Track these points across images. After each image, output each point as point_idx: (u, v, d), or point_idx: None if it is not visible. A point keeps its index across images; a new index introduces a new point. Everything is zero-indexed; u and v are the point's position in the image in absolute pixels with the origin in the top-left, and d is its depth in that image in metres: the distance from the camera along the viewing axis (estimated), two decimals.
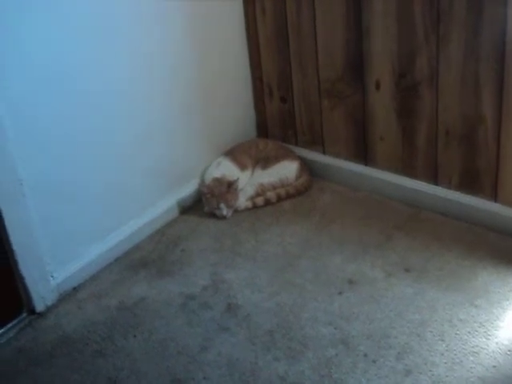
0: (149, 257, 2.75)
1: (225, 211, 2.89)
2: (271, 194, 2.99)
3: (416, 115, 2.71)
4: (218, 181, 2.91)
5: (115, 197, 2.71)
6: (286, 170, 3.03)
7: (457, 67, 2.51)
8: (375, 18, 2.64)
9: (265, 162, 3.05)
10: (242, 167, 3.02)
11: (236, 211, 2.95)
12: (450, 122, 2.63)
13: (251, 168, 3.05)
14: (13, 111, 2.25)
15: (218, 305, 2.46)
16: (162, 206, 2.92)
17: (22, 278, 2.43)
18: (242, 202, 2.96)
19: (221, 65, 3.05)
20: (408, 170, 2.84)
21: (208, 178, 2.97)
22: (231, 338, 2.31)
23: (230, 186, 2.87)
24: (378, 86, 2.76)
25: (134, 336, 2.37)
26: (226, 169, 2.98)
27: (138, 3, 2.59)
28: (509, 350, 2.14)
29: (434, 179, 2.77)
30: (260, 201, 2.97)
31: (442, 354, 2.15)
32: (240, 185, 2.94)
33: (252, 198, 2.98)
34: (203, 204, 2.96)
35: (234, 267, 2.64)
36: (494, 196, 2.63)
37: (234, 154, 3.07)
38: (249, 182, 3.02)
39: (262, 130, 3.30)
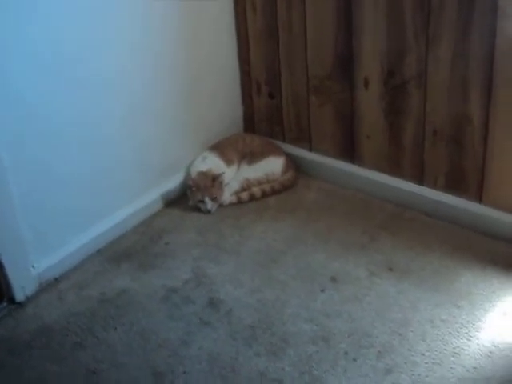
0: (132, 249, 2.74)
1: (209, 205, 2.88)
2: (256, 190, 2.98)
3: (403, 114, 2.71)
4: (204, 174, 2.90)
5: (99, 188, 2.69)
6: (272, 166, 3.02)
7: (445, 67, 2.50)
8: (365, 17, 2.64)
9: (251, 157, 3.04)
10: (228, 162, 3.01)
11: (221, 206, 2.93)
12: (437, 122, 2.63)
13: (237, 163, 3.04)
14: None
15: (200, 299, 2.45)
16: (147, 198, 2.90)
17: (2, 267, 2.41)
18: (227, 196, 2.95)
19: (209, 59, 3.03)
20: (394, 169, 2.84)
21: (194, 172, 2.96)
22: (212, 333, 2.30)
23: (215, 179, 2.86)
24: (366, 84, 2.76)
25: (115, 328, 2.35)
26: (212, 163, 2.97)
27: None
28: (490, 352, 2.14)
29: (420, 179, 2.77)
30: (245, 196, 2.97)
31: (423, 354, 2.15)
32: (225, 179, 2.93)
33: (237, 193, 2.97)
34: (188, 198, 2.94)
35: (217, 262, 2.63)
36: (479, 197, 2.63)
37: (220, 148, 3.05)
38: (234, 176, 3.00)
39: (249, 125, 3.29)
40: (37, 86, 2.36)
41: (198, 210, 2.91)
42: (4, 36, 2.22)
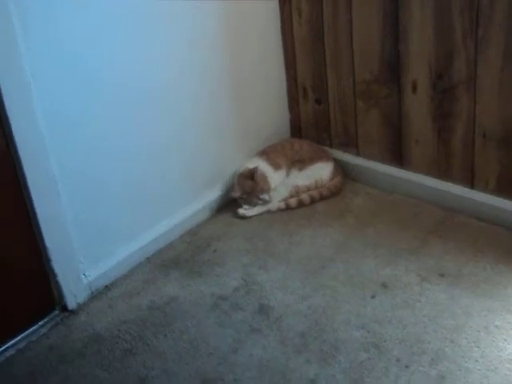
0: (181, 256, 2.75)
1: (267, 197, 2.91)
2: (305, 196, 2.97)
3: (453, 117, 2.67)
4: (242, 176, 2.93)
5: (148, 196, 2.71)
6: (321, 171, 3.01)
7: (495, 69, 2.47)
8: (412, 19, 2.61)
9: (300, 163, 3.02)
10: (276, 166, 3.00)
11: (269, 212, 2.94)
12: (487, 125, 2.58)
13: (285, 168, 3.03)
14: (48, 109, 2.26)
15: (250, 306, 2.45)
16: (195, 206, 2.91)
17: (54, 276, 2.44)
18: (275, 202, 2.95)
19: (255, 65, 3.04)
20: (444, 173, 2.80)
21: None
22: (262, 340, 2.29)
23: (254, 174, 2.88)
24: (414, 88, 2.73)
25: (165, 336, 2.36)
26: (262, 167, 2.97)
27: (173, 1, 2.59)
28: None
29: (471, 183, 2.73)
30: (293, 202, 2.96)
31: (477, 361, 2.11)
32: (273, 184, 2.95)
33: (285, 200, 2.96)
34: (236, 205, 2.96)
35: (266, 268, 2.63)
36: None
37: (267, 153, 3.06)
38: (284, 183, 3.00)
39: (296, 131, 3.28)
40: (86, 99, 2.39)
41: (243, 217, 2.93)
42: (57, 53, 2.26)
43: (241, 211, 2.92)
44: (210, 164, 2.96)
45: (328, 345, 2.24)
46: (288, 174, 3.03)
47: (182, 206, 2.87)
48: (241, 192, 2.89)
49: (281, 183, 2.99)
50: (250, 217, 2.92)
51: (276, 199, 2.95)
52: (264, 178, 2.92)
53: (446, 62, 2.59)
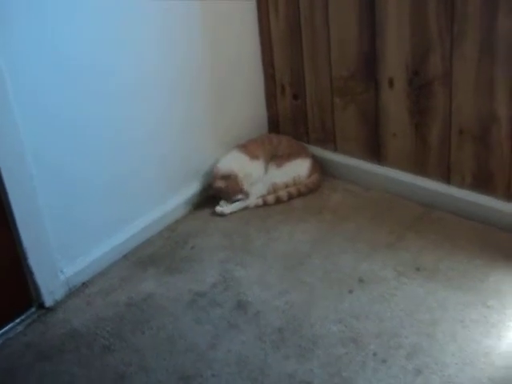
0: (158, 253, 2.74)
1: (241, 196, 2.94)
2: (283, 193, 2.97)
3: (429, 114, 2.68)
4: (215, 181, 2.95)
5: (126, 193, 2.70)
6: (299, 168, 3.01)
7: (471, 65, 2.48)
8: (389, 16, 2.62)
9: (278, 159, 3.02)
10: (252, 157, 3.00)
11: (247, 209, 2.94)
12: (463, 121, 2.60)
13: (263, 161, 3.02)
14: (25, 104, 2.25)
15: (228, 302, 2.45)
16: (173, 202, 2.91)
17: (31, 273, 2.42)
18: (253, 199, 2.95)
19: (233, 62, 3.03)
20: (420, 168, 2.82)
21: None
22: (240, 336, 2.30)
23: (221, 190, 2.93)
24: (390, 84, 2.74)
25: (143, 332, 2.36)
26: (235, 159, 2.99)
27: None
28: None
29: (447, 178, 2.75)
30: (271, 199, 2.96)
31: (453, 355, 2.13)
32: (249, 172, 2.97)
33: (263, 196, 2.97)
34: (215, 201, 2.96)
35: (243, 265, 2.63)
36: (507, 196, 2.60)
37: (245, 146, 3.05)
38: (262, 179, 3.00)
39: (274, 127, 3.28)
40: (63, 95, 2.38)
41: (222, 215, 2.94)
42: (34, 45, 2.24)
43: (218, 209, 2.92)
44: (187, 160, 2.95)
45: (306, 340, 2.25)
46: (266, 170, 3.03)
47: (160, 202, 2.87)
48: (214, 192, 2.96)
49: (259, 180, 2.99)
50: (228, 214, 2.92)
51: (254, 196, 2.96)
52: (235, 180, 2.92)
53: (422, 59, 2.61)
